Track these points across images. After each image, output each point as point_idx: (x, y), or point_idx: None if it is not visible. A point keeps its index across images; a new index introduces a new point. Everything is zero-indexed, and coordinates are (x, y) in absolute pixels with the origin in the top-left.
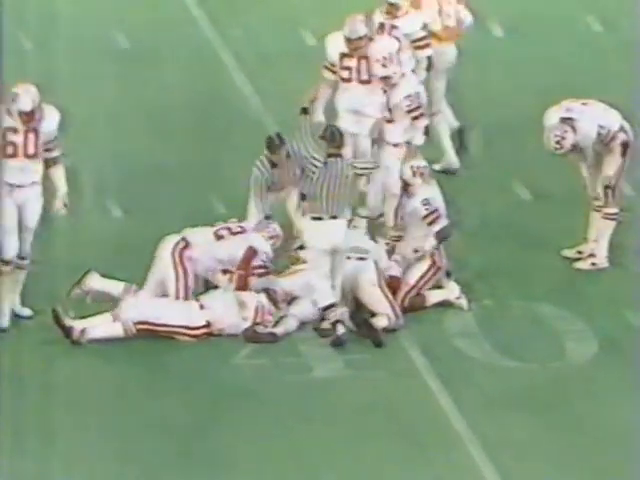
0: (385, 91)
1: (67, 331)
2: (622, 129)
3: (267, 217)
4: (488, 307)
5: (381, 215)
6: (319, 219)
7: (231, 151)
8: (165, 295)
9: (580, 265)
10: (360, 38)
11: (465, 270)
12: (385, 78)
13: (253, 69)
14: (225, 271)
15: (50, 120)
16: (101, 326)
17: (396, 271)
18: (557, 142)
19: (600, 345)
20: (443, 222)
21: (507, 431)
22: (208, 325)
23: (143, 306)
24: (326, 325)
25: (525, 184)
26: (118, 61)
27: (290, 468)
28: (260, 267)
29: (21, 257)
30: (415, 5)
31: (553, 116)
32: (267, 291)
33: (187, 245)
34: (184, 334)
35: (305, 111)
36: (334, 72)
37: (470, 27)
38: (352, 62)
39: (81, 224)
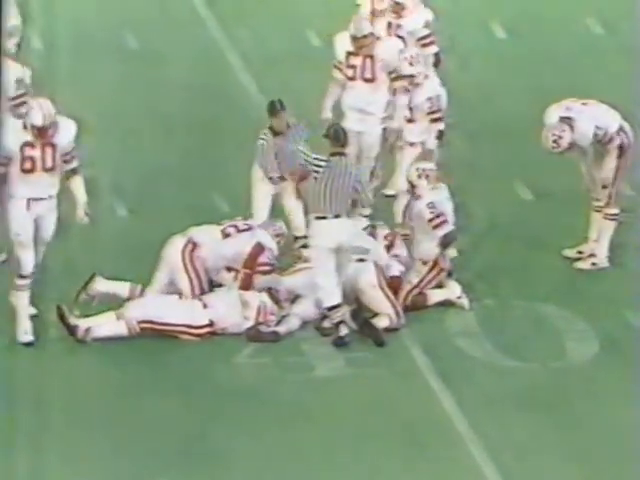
0: (408, 90)
1: (72, 330)
2: (622, 130)
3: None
4: (489, 307)
5: None
6: (323, 218)
7: (236, 150)
8: (173, 294)
9: (580, 265)
10: (365, 36)
11: (466, 270)
12: (409, 77)
13: (259, 69)
14: (229, 269)
15: (66, 132)
16: (105, 325)
17: (397, 271)
18: (554, 141)
19: (601, 345)
20: (448, 227)
21: (508, 430)
22: (211, 324)
23: (147, 305)
24: (328, 324)
25: (526, 184)
26: (127, 61)
27: (291, 466)
28: (265, 264)
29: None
30: None
31: (553, 115)
32: (270, 290)
33: (195, 246)
34: (187, 333)
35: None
36: (342, 71)
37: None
38: (357, 60)
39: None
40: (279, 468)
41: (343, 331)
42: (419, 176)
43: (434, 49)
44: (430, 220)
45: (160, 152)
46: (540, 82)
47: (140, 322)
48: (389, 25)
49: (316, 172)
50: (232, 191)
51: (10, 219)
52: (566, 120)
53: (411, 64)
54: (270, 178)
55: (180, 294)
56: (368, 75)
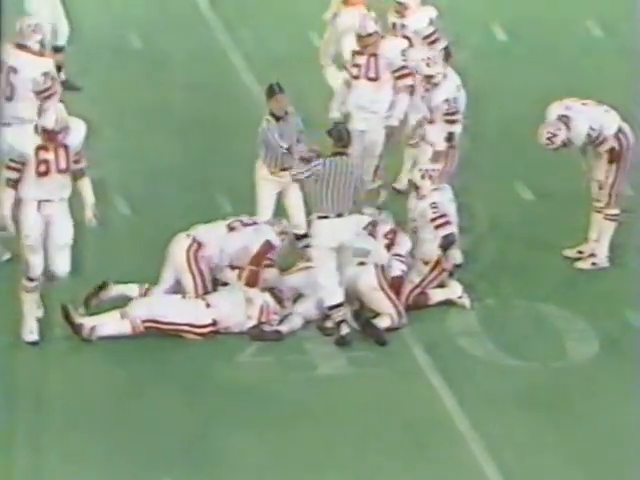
0: (427, 90)
1: (77, 328)
2: (621, 132)
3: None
4: (490, 306)
5: None
6: (325, 217)
7: (239, 150)
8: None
9: (581, 265)
10: (370, 35)
11: (468, 269)
12: (428, 77)
13: (262, 70)
14: (233, 267)
15: (77, 133)
16: (110, 324)
17: (399, 270)
18: (548, 138)
19: (601, 344)
20: (450, 228)
21: (509, 429)
22: (214, 323)
23: (151, 304)
24: (330, 324)
25: (527, 185)
26: (130, 61)
27: (293, 464)
28: (268, 259)
29: (50, 276)
30: None
31: (553, 112)
32: (272, 290)
33: (200, 246)
34: (191, 332)
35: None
36: (348, 70)
37: None
38: (362, 60)
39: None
40: (281, 466)
41: (344, 330)
42: (423, 177)
43: (442, 44)
44: (433, 220)
45: (163, 152)
46: (541, 84)
47: (144, 321)
48: (393, 26)
49: (316, 175)
50: (235, 190)
51: (20, 221)
52: (563, 118)
53: (428, 65)
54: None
55: (184, 293)
56: (372, 74)
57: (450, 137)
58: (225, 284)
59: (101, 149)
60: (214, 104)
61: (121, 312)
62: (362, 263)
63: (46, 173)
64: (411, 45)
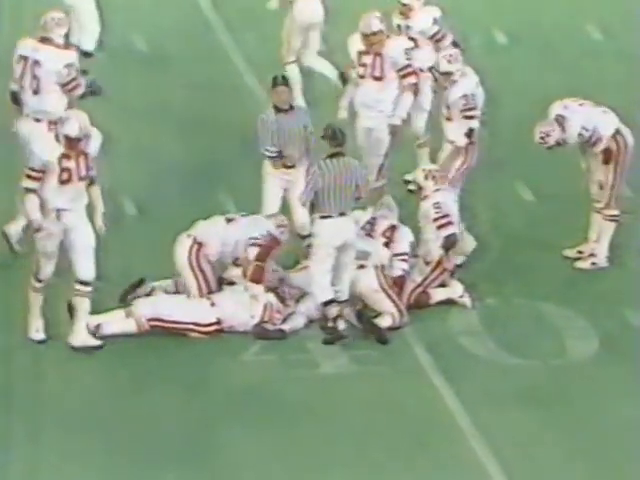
0: (446, 88)
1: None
2: (618, 134)
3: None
4: (491, 306)
5: None
6: (328, 217)
7: (242, 150)
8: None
9: (580, 264)
10: (375, 33)
11: (469, 269)
12: (446, 74)
13: (264, 72)
14: (237, 264)
15: (95, 141)
16: (115, 322)
17: (400, 270)
18: (541, 137)
19: (601, 343)
20: (453, 229)
21: (509, 427)
22: (219, 322)
23: (156, 303)
24: (330, 323)
25: (528, 185)
26: (135, 62)
27: (296, 462)
28: (272, 254)
29: (84, 282)
30: None
31: (551, 111)
32: (276, 290)
33: (201, 246)
34: (195, 331)
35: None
36: (355, 70)
37: None
38: (368, 59)
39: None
40: (284, 463)
41: (341, 326)
42: (426, 177)
43: (449, 40)
44: (435, 220)
45: (168, 152)
46: (541, 86)
47: (149, 320)
48: (398, 27)
49: (316, 178)
50: (238, 190)
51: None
52: (559, 118)
53: (449, 62)
54: (267, 153)
55: (189, 294)
56: (377, 73)
57: (470, 133)
58: (230, 283)
59: (105, 150)
60: (217, 105)
61: (126, 311)
62: (362, 266)
63: (68, 181)
64: (417, 46)
